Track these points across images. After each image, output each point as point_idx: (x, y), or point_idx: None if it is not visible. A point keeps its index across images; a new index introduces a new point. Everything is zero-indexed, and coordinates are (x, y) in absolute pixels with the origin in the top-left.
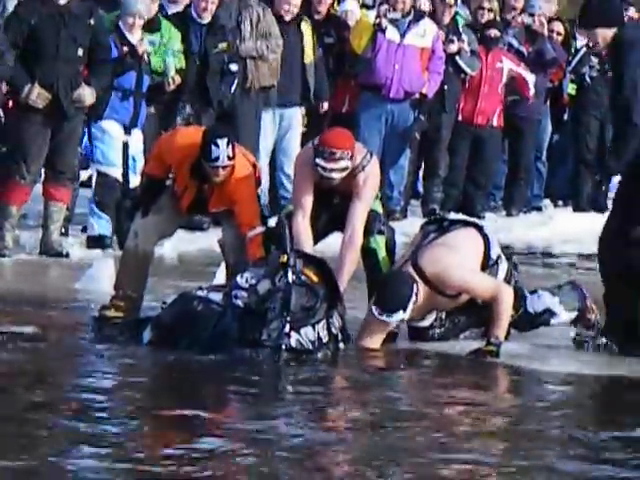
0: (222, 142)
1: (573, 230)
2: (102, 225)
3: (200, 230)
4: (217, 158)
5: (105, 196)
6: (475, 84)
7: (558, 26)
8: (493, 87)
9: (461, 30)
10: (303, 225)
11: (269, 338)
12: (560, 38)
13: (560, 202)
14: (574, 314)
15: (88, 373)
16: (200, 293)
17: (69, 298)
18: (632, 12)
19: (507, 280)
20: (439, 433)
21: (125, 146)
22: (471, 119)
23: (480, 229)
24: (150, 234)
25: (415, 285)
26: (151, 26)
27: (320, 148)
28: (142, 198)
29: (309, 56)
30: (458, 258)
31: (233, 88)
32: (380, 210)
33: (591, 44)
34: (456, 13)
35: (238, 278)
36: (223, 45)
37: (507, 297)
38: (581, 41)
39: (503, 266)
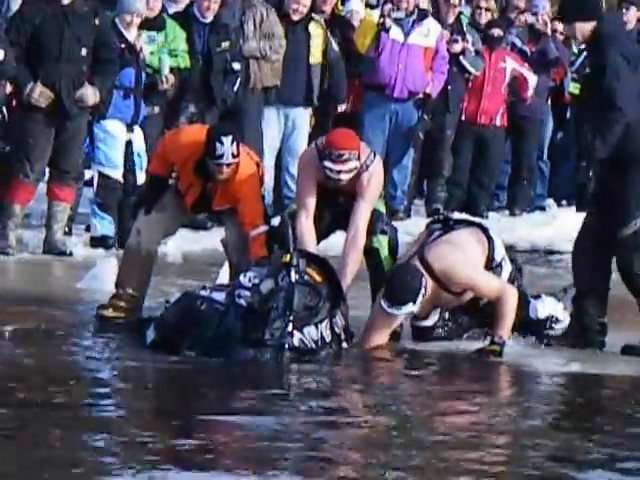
0: (227, 140)
1: (577, 229)
2: (105, 226)
3: (204, 229)
4: (222, 156)
5: (107, 197)
6: (478, 84)
7: (561, 26)
8: (496, 87)
9: (465, 30)
10: (306, 225)
11: (272, 337)
12: (563, 37)
13: (564, 202)
14: None
15: (91, 372)
16: (203, 292)
17: (72, 297)
18: (633, 12)
19: (510, 283)
20: (441, 433)
21: (128, 144)
22: (474, 119)
23: (485, 230)
24: (154, 232)
25: (423, 278)
26: (156, 25)
27: (327, 150)
28: (145, 196)
29: (315, 57)
30: (464, 255)
31: (236, 87)
32: (383, 210)
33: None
34: (460, 13)
35: (241, 277)
36: (226, 44)
37: (511, 297)
38: None
39: (507, 268)
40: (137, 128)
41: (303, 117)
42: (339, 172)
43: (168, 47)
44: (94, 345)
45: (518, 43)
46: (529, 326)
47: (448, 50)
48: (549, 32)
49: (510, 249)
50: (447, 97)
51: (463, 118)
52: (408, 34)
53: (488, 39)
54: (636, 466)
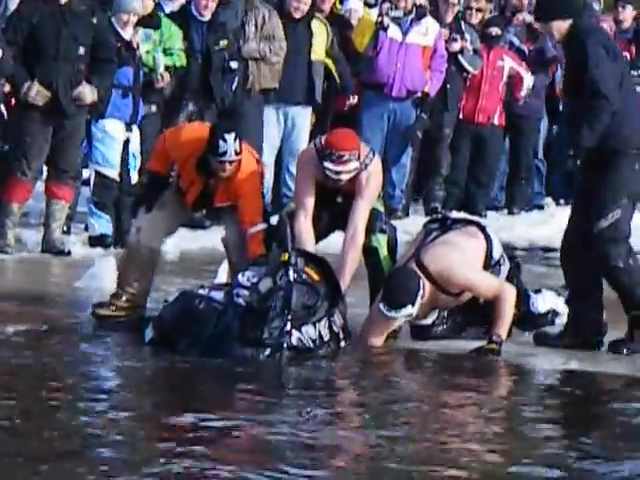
0: (230, 137)
1: None
2: (103, 224)
3: (202, 228)
4: (225, 153)
5: (103, 196)
6: (476, 83)
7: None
8: (494, 86)
9: (464, 29)
10: (305, 225)
11: (270, 336)
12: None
13: (562, 200)
14: None
15: (89, 371)
16: (202, 291)
17: (71, 296)
18: (629, 11)
19: (509, 281)
20: (440, 432)
21: (126, 143)
22: (472, 118)
23: (482, 229)
24: (155, 231)
25: (421, 280)
26: (152, 23)
27: (327, 151)
28: (145, 195)
29: (318, 55)
30: (461, 256)
31: (234, 86)
32: (382, 209)
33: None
34: (459, 11)
35: (239, 276)
36: (224, 42)
37: (510, 296)
38: None
39: (505, 267)
40: (135, 128)
41: (303, 116)
42: (339, 173)
43: (163, 46)
44: (92, 344)
45: (516, 42)
46: (530, 320)
47: (446, 49)
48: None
49: (508, 248)
50: (445, 96)
51: (461, 117)
52: (406, 33)
53: (486, 38)
54: (635, 464)
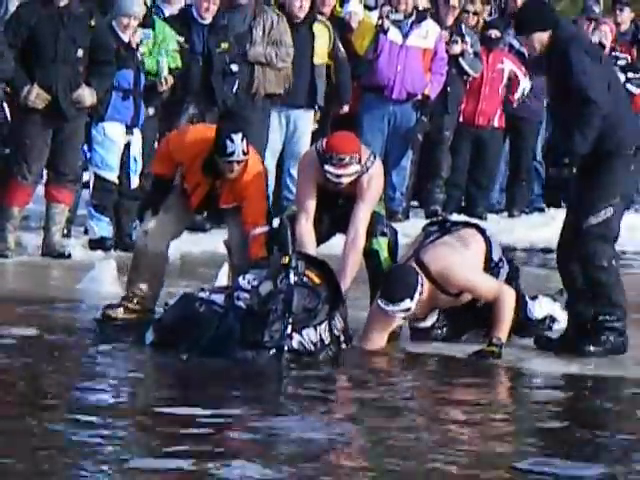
0: (237, 137)
1: None
2: (102, 227)
3: (202, 231)
4: (232, 153)
5: (103, 199)
6: (476, 85)
7: None
8: (494, 88)
9: (464, 31)
10: (306, 228)
11: (271, 339)
12: None
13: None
14: None
15: (90, 374)
16: (202, 294)
17: (71, 299)
18: (627, 13)
19: (508, 284)
20: (440, 434)
21: (127, 146)
22: (472, 120)
23: (482, 232)
24: (163, 234)
25: (420, 276)
26: (146, 25)
27: (328, 155)
28: (151, 198)
29: (320, 57)
30: (461, 257)
31: (234, 88)
32: (383, 212)
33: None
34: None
35: (240, 279)
36: (225, 45)
37: (509, 298)
38: None
39: (504, 269)
40: (137, 131)
41: (305, 119)
42: (340, 176)
43: (158, 48)
44: (93, 347)
45: (516, 44)
46: (527, 327)
47: (447, 51)
48: None
49: (509, 250)
50: (446, 98)
51: (461, 119)
52: (407, 36)
53: (486, 40)
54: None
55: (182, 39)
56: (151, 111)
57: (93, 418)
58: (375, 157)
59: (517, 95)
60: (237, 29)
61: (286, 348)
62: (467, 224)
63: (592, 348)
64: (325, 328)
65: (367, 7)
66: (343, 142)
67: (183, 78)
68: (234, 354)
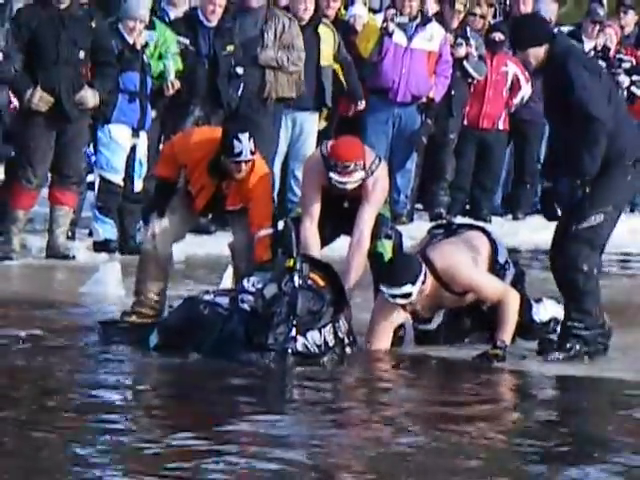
0: (244, 137)
1: None
2: (107, 229)
3: (207, 234)
4: (240, 153)
5: (108, 201)
6: (480, 88)
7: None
8: (498, 91)
9: (469, 34)
10: (311, 231)
11: (275, 342)
12: None
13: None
14: None
15: (94, 377)
16: (207, 297)
17: (75, 302)
18: (631, 16)
19: (514, 287)
20: (443, 438)
21: (133, 149)
22: (477, 123)
23: (488, 234)
24: (169, 236)
25: (424, 266)
26: (147, 27)
27: (332, 162)
28: (156, 200)
29: (326, 59)
30: (467, 257)
31: (239, 92)
32: (388, 214)
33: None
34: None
35: (244, 282)
36: (230, 47)
37: (514, 301)
38: (587, 44)
39: (510, 272)
40: (143, 134)
41: (311, 121)
42: (345, 183)
43: (160, 50)
44: (97, 349)
45: None
46: (532, 330)
47: (452, 54)
48: None
49: (513, 253)
50: (450, 101)
51: (466, 122)
52: (411, 38)
53: (490, 43)
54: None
55: (187, 41)
56: (153, 114)
57: (94, 419)
58: (380, 160)
59: (515, 101)
60: (248, 33)
61: (290, 351)
62: (473, 227)
63: (556, 354)
64: (329, 331)
65: (372, 10)
66: (347, 150)
67: (189, 81)
68: (238, 356)
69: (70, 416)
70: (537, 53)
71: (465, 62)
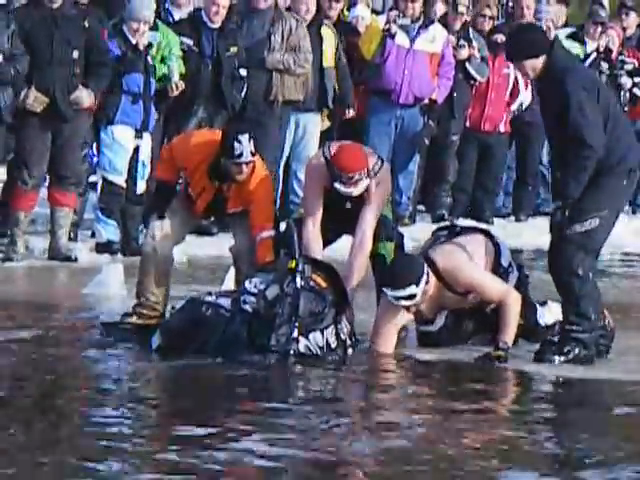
0: (244, 138)
1: None
2: (109, 231)
3: (209, 235)
4: (241, 154)
5: (110, 202)
6: (482, 90)
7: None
8: (500, 93)
9: (472, 36)
10: (313, 232)
11: (278, 343)
12: None
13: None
14: None
15: (96, 378)
16: (209, 298)
17: (78, 303)
18: (633, 17)
19: (517, 290)
20: (445, 440)
21: (136, 150)
22: (479, 125)
23: (491, 237)
24: (169, 238)
25: (426, 267)
26: (150, 28)
27: (336, 172)
28: (156, 202)
29: (329, 60)
30: (469, 257)
31: (243, 93)
32: (390, 216)
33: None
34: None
35: (247, 283)
36: (234, 49)
37: (516, 303)
38: (590, 46)
39: (514, 275)
40: (146, 135)
41: (314, 123)
42: (351, 192)
43: (162, 53)
44: (99, 350)
45: None
46: (537, 332)
47: (454, 56)
48: (552, 37)
49: (516, 254)
50: (452, 103)
51: (468, 125)
52: (414, 40)
53: (492, 45)
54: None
55: (191, 42)
56: (156, 115)
57: (96, 419)
58: (382, 161)
59: (513, 107)
60: (256, 35)
61: (292, 352)
62: (476, 229)
63: (556, 357)
64: (332, 332)
65: (374, 11)
66: (351, 160)
67: (192, 82)
68: (241, 358)
69: (72, 416)
70: (534, 65)
71: (467, 64)
